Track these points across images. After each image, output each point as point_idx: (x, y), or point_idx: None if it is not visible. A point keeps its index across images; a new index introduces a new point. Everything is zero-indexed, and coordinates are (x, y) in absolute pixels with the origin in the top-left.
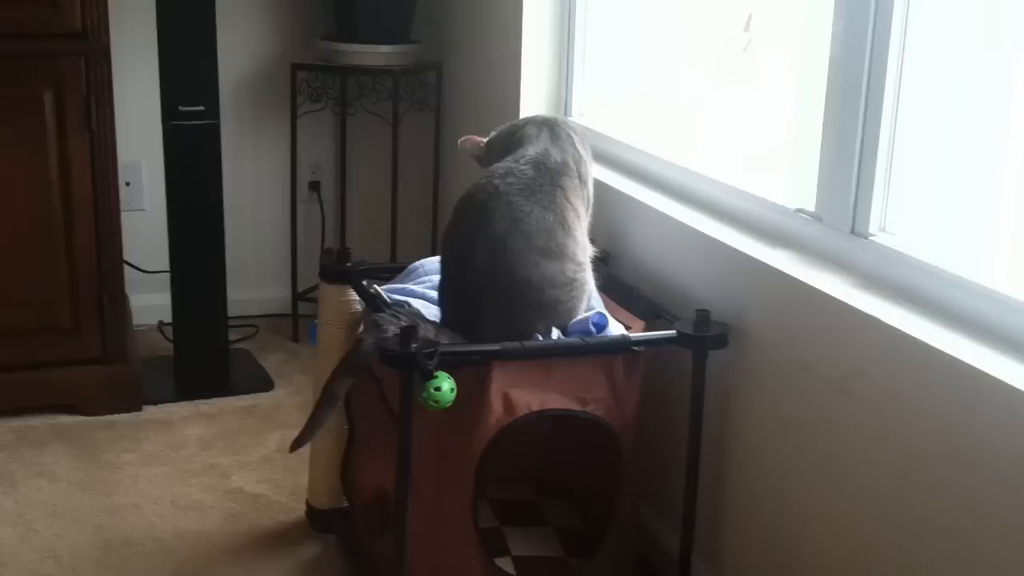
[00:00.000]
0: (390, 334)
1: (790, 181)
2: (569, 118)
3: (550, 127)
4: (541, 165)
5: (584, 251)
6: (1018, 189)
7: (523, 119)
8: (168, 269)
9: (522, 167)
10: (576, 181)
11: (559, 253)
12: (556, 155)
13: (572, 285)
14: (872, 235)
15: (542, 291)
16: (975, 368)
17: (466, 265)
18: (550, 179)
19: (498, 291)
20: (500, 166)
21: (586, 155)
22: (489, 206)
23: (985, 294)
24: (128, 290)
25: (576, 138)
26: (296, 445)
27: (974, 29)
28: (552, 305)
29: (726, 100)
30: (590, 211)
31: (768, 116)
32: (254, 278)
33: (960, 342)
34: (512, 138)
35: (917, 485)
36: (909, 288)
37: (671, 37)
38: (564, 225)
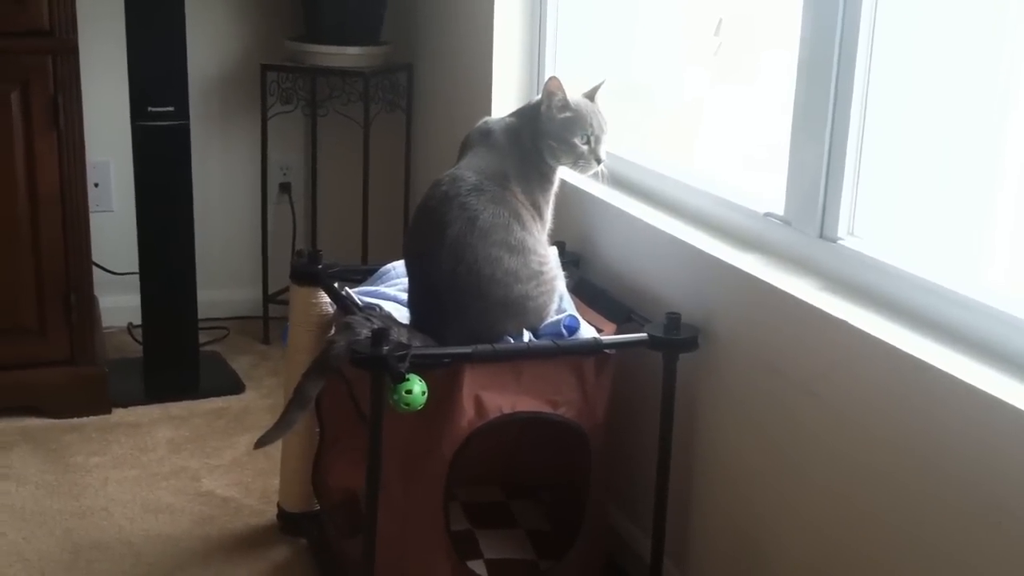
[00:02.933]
0: (362, 336)
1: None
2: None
3: (484, 133)
4: (481, 170)
5: (544, 246)
6: (983, 194)
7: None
8: (137, 270)
9: (465, 172)
10: (517, 187)
11: (519, 247)
12: (494, 163)
13: (539, 279)
14: (840, 239)
15: (508, 287)
16: (942, 371)
17: (430, 272)
18: (494, 182)
19: (464, 292)
20: (447, 174)
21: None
22: (442, 211)
23: (951, 297)
24: (97, 291)
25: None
26: (262, 443)
27: (942, 34)
28: (521, 302)
29: (706, 99)
30: (546, 220)
31: (752, 115)
32: (224, 280)
33: (926, 345)
34: (463, 146)
35: (882, 487)
36: (876, 292)
37: (646, 36)
38: (519, 219)
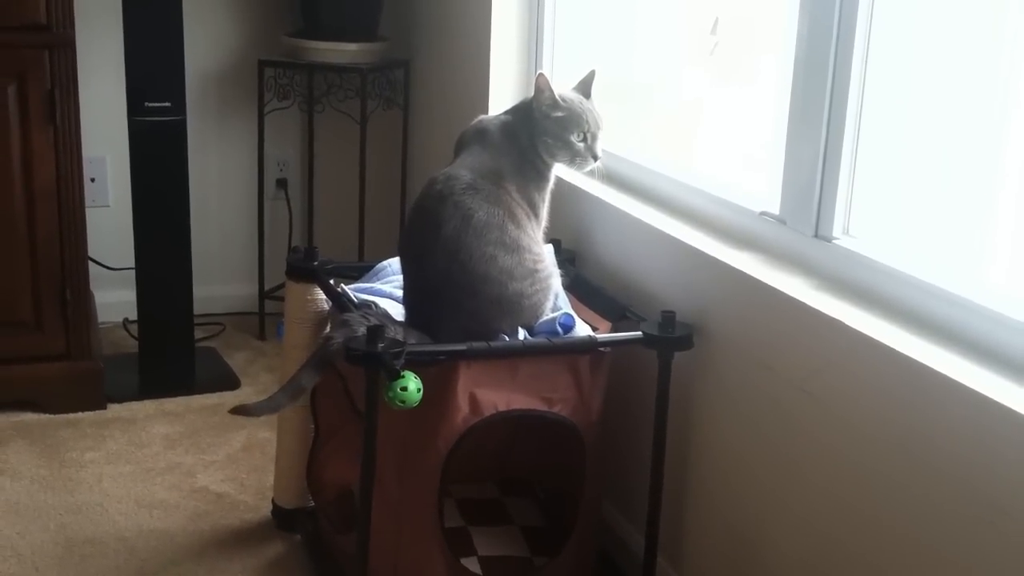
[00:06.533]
0: (358, 333)
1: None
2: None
3: (480, 132)
4: (476, 169)
5: (539, 244)
6: (979, 194)
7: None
8: (133, 266)
9: (460, 171)
10: (512, 185)
11: (513, 246)
12: (488, 162)
13: (534, 277)
14: (835, 238)
15: (503, 285)
16: (934, 370)
17: (425, 270)
18: (490, 180)
19: (459, 290)
20: (442, 172)
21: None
22: (437, 209)
23: (946, 297)
24: (93, 287)
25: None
26: (240, 411)
27: (939, 31)
28: (516, 300)
29: (705, 100)
30: (541, 218)
31: (751, 117)
32: (220, 276)
33: (919, 344)
34: (458, 143)
35: (874, 485)
36: (870, 291)
37: (645, 35)
38: (513, 218)
